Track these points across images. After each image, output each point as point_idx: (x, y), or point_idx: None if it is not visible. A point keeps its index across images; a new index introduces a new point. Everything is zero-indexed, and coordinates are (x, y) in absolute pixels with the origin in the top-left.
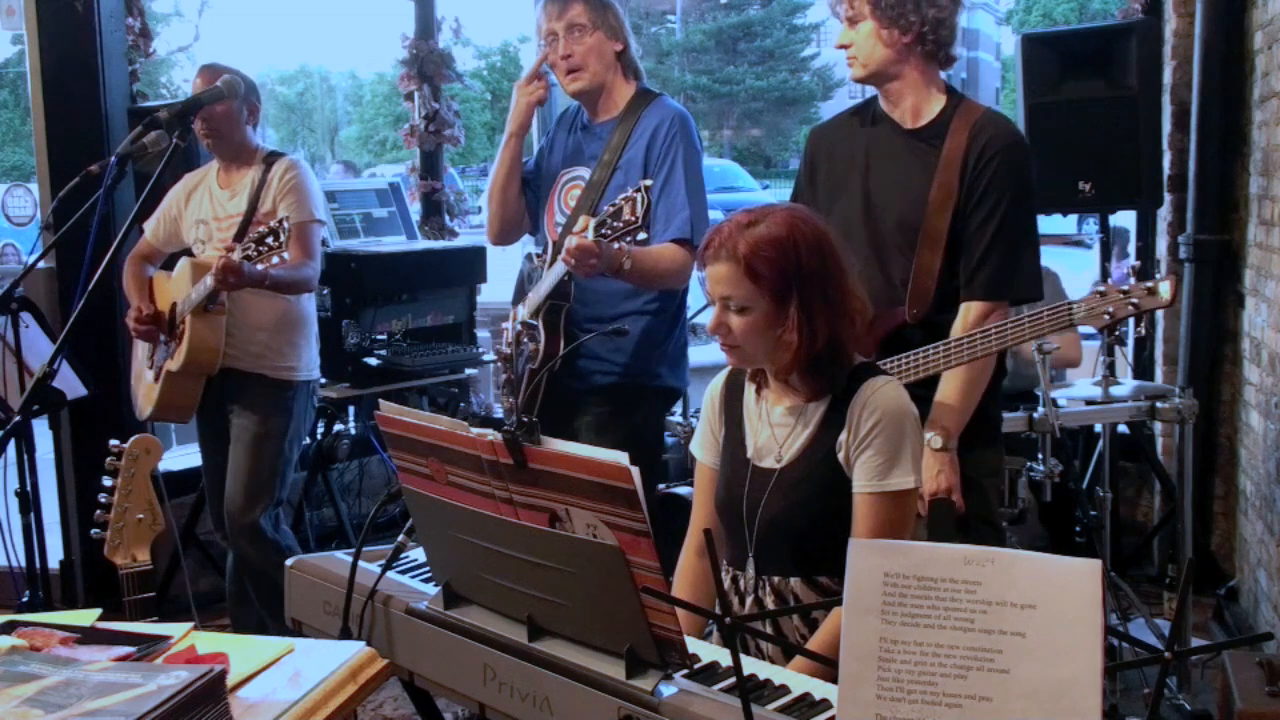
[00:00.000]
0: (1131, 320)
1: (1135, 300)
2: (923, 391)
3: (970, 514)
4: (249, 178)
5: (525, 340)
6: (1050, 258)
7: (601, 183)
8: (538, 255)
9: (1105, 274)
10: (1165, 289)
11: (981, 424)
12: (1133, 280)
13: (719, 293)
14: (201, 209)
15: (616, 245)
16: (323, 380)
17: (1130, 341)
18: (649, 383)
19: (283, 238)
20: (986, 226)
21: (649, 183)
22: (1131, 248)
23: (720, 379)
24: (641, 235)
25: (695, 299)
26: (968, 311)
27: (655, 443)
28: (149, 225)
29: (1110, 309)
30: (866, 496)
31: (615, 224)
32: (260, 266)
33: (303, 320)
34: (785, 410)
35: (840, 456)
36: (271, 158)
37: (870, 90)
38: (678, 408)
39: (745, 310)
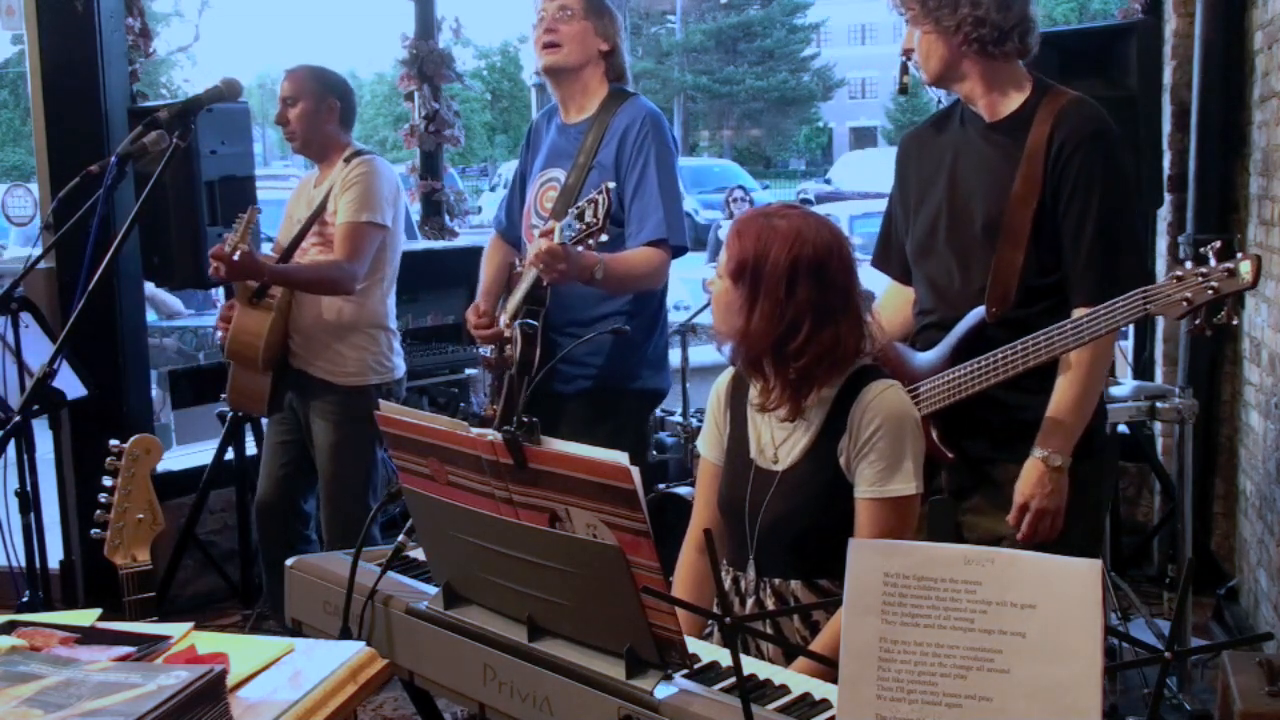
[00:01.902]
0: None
1: (1215, 284)
2: (1027, 400)
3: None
4: (332, 176)
5: (509, 346)
6: None
7: (576, 186)
8: (520, 261)
9: None
10: (1245, 269)
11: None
12: (1212, 262)
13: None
14: (300, 207)
15: (580, 248)
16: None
17: (1130, 340)
18: (628, 385)
19: (238, 230)
20: (1084, 228)
21: (613, 185)
22: None
23: (726, 376)
24: (604, 238)
25: (696, 299)
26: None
27: (639, 445)
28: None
29: (1188, 294)
30: (868, 502)
31: (578, 225)
32: (237, 257)
33: (364, 320)
34: (758, 403)
35: (841, 461)
36: (354, 156)
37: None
38: (677, 407)
39: (720, 279)
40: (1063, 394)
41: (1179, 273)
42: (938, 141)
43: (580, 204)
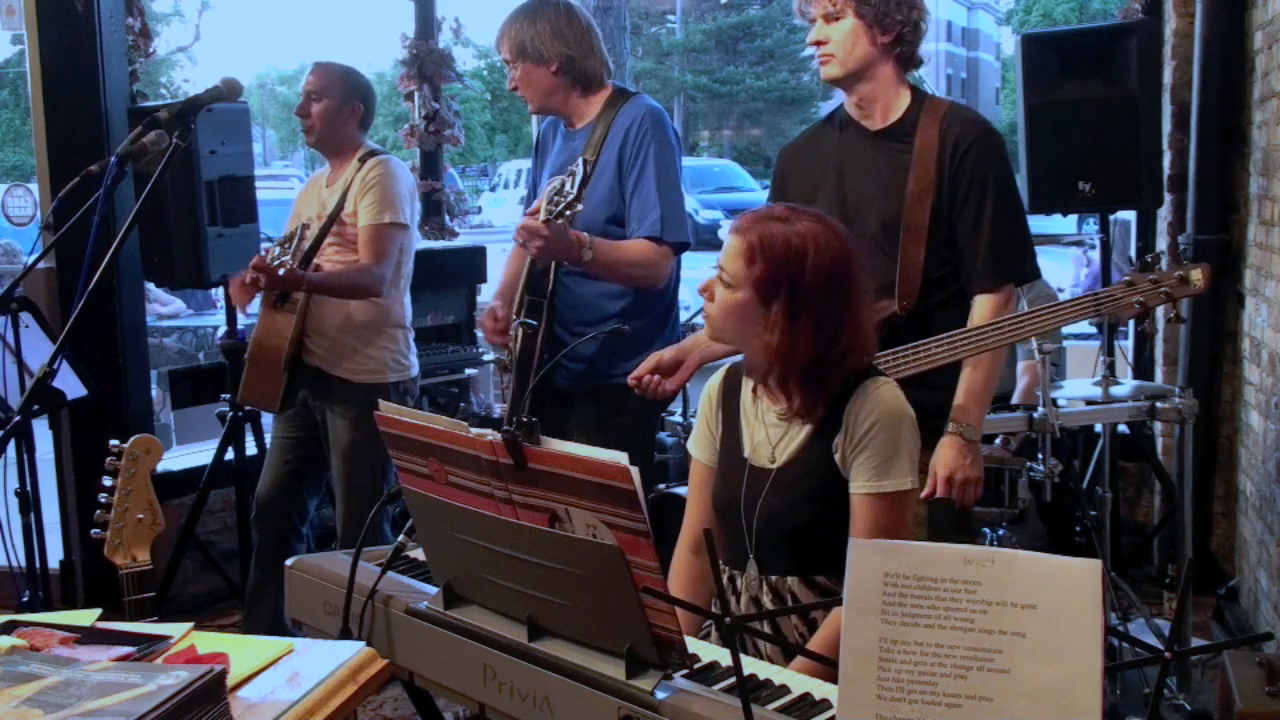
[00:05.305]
0: (1132, 321)
1: (1167, 288)
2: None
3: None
4: (345, 176)
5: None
6: (1054, 258)
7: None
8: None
9: (1106, 273)
10: (1197, 276)
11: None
12: (1163, 267)
13: (720, 261)
14: (310, 205)
15: (560, 222)
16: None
17: (1130, 340)
18: None
19: (290, 248)
20: (981, 219)
21: (589, 156)
22: (1132, 248)
23: (718, 377)
24: (579, 207)
25: (697, 299)
26: (983, 305)
27: (646, 444)
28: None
29: (1140, 298)
30: (863, 498)
31: (557, 199)
32: (281, 273)
33: (386, 320)
34: (781, 412)
35: (837, 458)
36: (367, 156)
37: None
38: (677, 407)
39: (731, 287)
40: (971, 381)
41: (1130, 278)
42: (817, 152)
43: (561, 177)
